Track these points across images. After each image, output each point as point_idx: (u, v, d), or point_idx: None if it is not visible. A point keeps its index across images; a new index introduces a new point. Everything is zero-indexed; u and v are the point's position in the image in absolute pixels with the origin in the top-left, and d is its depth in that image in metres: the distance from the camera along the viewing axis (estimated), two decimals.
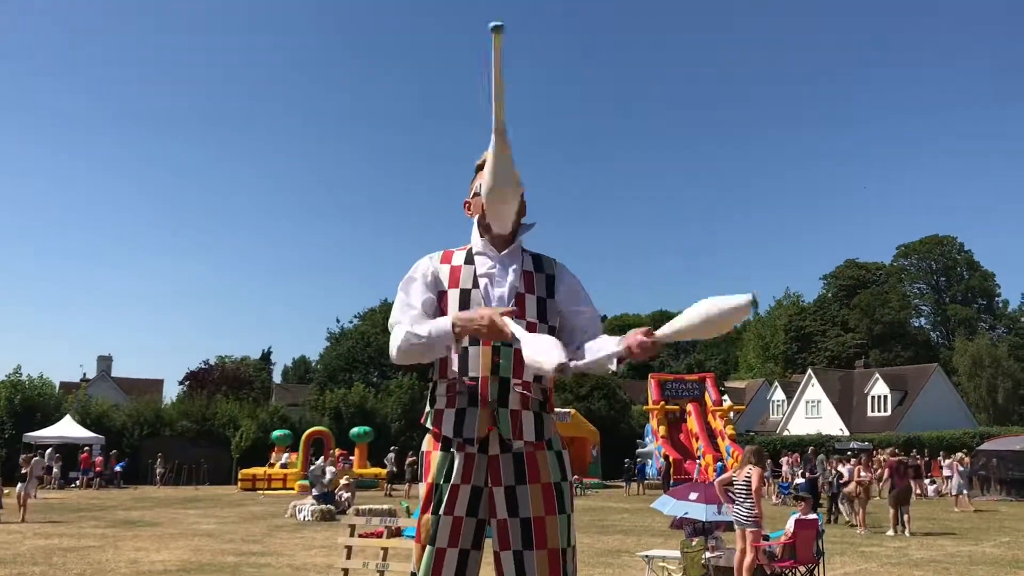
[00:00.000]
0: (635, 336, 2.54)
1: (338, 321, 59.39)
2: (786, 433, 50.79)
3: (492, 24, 2.32)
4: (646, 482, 30.39)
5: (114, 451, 33.28)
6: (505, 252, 2.80)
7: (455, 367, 2.71)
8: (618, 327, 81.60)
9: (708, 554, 9.04)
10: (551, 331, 2.77)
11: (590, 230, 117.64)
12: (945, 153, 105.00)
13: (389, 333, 2.76)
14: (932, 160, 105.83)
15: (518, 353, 2.65)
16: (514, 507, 2.65)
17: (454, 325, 2.58)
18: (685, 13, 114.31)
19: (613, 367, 2.61)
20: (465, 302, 2.73)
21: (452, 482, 2.67)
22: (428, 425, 2.78)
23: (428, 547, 2.65)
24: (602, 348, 2.64)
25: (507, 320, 2.51)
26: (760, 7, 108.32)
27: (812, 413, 53.97)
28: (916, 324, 71.92)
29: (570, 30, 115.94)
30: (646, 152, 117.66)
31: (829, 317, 68.69)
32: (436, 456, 2.72)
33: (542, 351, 2.36)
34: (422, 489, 2.75)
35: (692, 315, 2.49)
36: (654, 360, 75.46)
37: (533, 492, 2.66)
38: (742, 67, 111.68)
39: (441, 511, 2.66)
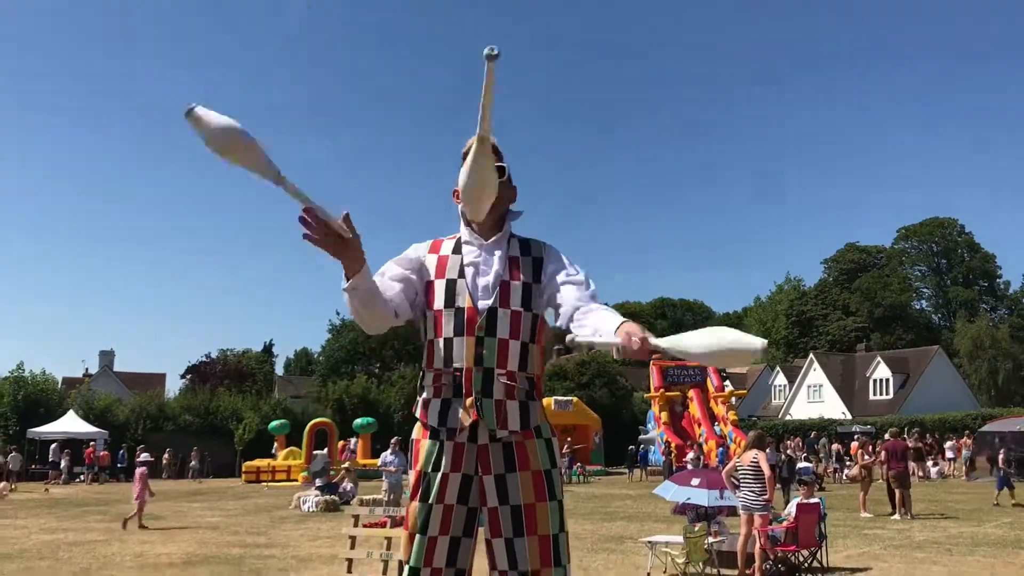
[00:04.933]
0: (633, 338, 2.43)
1: (338, 313, 59.34)
2: (788, 418, 50.87)
3: (488, 51, 2.27)
4: (649, 468, 30.50)
5: (126, 444, 33.51)
6: (492, 240, 2.80)
7: (440, 358, 2.72)
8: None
9: (711, 539, 9.08)
10: (535, 319, 2.77)
11: (591, 218, 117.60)
12: (946, 134, 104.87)
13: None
14: (932, 142, 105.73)
15: (503, 344, 2.68)
16: (504, 495, 2.67)
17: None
18: None
19: (615, 355, 2.58)
20: (451, 292, 2.74)
21: (442, 471, 2.68)
22: (417, 414, 2.81)
23: (418, 535, 2.67)
24: (601, 329, 2.58)
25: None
26: None
27: (814, 397, 54.07)
28: (917, 307, 71.97)
29: (577, 21, 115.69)
30: (645, 137, 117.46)
31: (830, 301, 68.70)
32: (424, 444, 2.74)
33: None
34: (411, 477, 2.77)
35: (702, 340, 2.45)
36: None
37: (523, 479, 2.67)
38: (740, 49, 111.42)
39: (432, 500, 2.67)
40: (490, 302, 2.72)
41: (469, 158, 2.55)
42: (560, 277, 2.79)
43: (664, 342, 2.47)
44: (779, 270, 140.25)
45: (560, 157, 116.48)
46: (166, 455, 33.10)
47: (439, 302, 2.75)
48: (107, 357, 57.39)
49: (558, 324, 2.84)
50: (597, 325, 2.61)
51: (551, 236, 2.95)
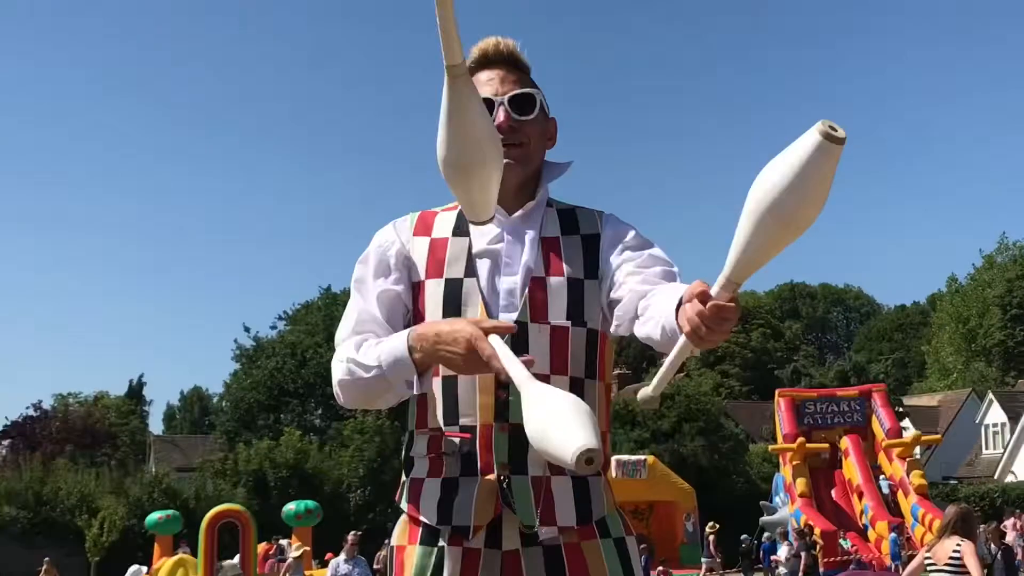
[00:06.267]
0: (693, 308, 2.09)
1: (248, 330, 59.07)
2: (1009, 479, 50.70)
3: None
4: (778, 572, 30.53)
5: None
6: (518, 213, 2.76)
7: (438, 410, 2.67)
8: None
9: None
10: (592, 337, 2.70)
11: (624, 177, 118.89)
12: None
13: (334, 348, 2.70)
14: None
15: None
16: None
17: (411, 350, 2.46)
18: None
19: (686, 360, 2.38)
20: (454, 298, 2.69)
21: None
22: (402, 505, 2.79)
23: None
24: (659, 318, 2.35)
25: (503, 354, 2.28)
26: None
27: None
28: None
29: None
30: (696, 98, 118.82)
31: None
32: (414, 554, 2.71)
33: (556, 428, 2.02)
34: None
35: (751, 210, 2.03)
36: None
37: None
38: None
39: None
40: (516, 315, 2.65)
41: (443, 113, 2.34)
42: (620, 255, 2.70)
43: (729, 273, 2.12)
44: (989, 232, 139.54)
45: (593, 111, 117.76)
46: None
47: (433, 317, 2.68)
48: None
49: (612, 332, 2.74)
50: (657, 317, 2.38)
51: (579, 200, 2.90)
